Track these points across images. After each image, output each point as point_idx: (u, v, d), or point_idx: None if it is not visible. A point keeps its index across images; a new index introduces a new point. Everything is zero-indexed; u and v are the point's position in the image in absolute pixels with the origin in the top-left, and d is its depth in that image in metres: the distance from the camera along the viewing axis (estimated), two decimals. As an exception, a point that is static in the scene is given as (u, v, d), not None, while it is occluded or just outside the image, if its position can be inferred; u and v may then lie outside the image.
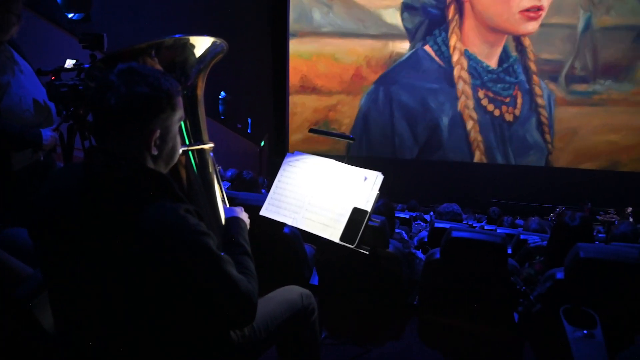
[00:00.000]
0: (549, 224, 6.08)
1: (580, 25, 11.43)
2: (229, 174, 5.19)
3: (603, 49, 11.57)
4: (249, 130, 10.60)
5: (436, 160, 12.98)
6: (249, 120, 10.60)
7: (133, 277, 1.13)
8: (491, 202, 10.78)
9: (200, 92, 1.67)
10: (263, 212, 2.08)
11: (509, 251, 3.50)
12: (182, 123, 1.44)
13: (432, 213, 6.47)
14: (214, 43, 1.60)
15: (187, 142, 1.55)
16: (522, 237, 3.77)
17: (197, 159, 1.59)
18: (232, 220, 1.53)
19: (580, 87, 12.00)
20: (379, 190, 1.94)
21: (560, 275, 2.48)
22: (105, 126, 1.20)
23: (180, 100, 1.27)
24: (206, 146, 1.61)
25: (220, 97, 9.05)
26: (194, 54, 1.58)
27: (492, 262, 2.53)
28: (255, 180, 3.74)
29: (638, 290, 2.35)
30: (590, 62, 11.75)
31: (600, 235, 6.79)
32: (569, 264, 2.42)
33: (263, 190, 4.51)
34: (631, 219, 10.72)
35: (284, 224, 2.16)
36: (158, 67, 1.48)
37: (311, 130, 2.29)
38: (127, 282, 1.13)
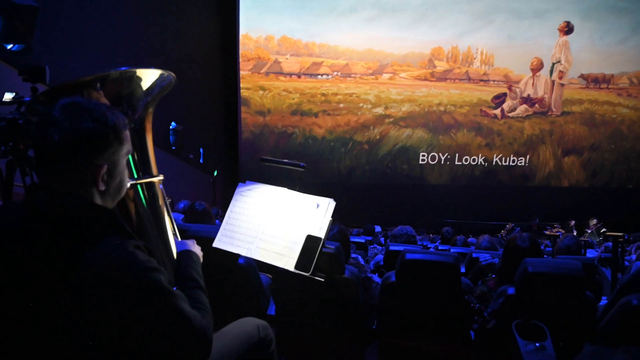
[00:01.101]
0: (499, 240, 6.28)
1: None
2: (181, 205, 5.08)
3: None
4: (201, 161, 10.46)
5: (391, 183, 13.25)
6: (201, 150, 10.47)
7: (82, 320, 1.08)
8: (444, 222, 11.04)
9: (148, 124, 1.65)
10: (216, 243, 2.05)
11: (462, 270, 3.59)
12: (130, 156, 1.41)
13: (388, 235, 6.55)
14: (161, 75, 1.59)
15: (136, 176, 1.52)
16: (474, 255, 3.88)
17: (146, 192, 1.56)
18: (184, 253, 1.50)
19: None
20: (333, 216, 1.95)
21: (511, 291, 2.56)
22: (49, 162, 1.16)
23: (127, 134, 1.25)
24: (155, 179, 1.58)
25: (170, 127, 8.91)
26: (141, 87, 1.56)
27: (446, 281, 2.58)
28: (207, 211, 3.67)
29: (582, 299, 2.46)
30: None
31: (548, 249, 7.08)
32: (518, 280, 2.50)
33: (217, 221, 4.44)
34: (574, 232, 11.29)
35: (238, 255, 2.14)
36: (104, 100, 1.45)
37: (262, 160, 2.29)
38: (76, 325, 1.08)
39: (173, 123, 8.87)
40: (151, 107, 1.63)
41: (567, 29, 12.85)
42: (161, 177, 1.61)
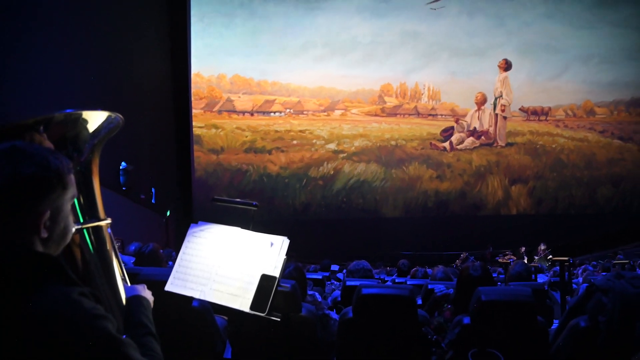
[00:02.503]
0: (453, 270, 6.39)
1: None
2: (132, 248, 4.91)
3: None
4: (153, 201, 10.20)
5: (347, 218, 13.33)
6: (153, 190, 10.23)
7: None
8: (401, 254, 11.14)
9: (95, 166, 1.61)
10: (168, 287, 2.00)
11: (419, 302, 3.62)
12: (76, 200, 1.37)
13: (345, 271, 6.53)
14: (108, 117, 1.56)
15: (82, 220, 1.47)
16: (429, 286, 3.92)
17: (92, 236, 1.51)
18: (134, 299, 1.45)
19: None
20: (288, 253, 1.95)
21: (467, 320, 2.60)
22: (-13, 210, 1.11)
23: (71, 178, 1.21)
24: (103, 222, 1.53)
25: (121, 167, 8.69)
26: (87, 129, 1.53)
27: (403, 315, 2.60)
28: (156, 253, 3.57)
29: (534, 324, 2.52)
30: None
31: (501, 276, 7.26)
32: (473, 309, 2.55)
33: (170, 263, 4.31)
34: (525, 258, 11.66)
35: (192, 298, 2.08)
36: (47, 143, 1.40)
37: (214, 200, 2.27)
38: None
39: (123, 163, 8.66)
40: (98, 149, 1.59)
41: (506, 65, 13.63)
42: (109, 221, 1.56)
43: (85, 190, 1.53)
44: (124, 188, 8.68)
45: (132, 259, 4.14)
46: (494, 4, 13.27)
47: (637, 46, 13.90)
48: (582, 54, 13.81)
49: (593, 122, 14.31)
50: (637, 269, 7.04)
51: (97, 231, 1.52)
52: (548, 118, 14.15)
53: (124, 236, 6.51)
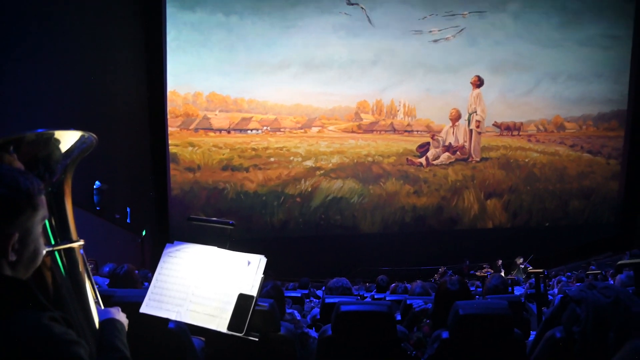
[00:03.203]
0: (432, 285, 6.42)
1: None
2: (106, 269, 4.81)
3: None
4: (128, 220, 10.03)
5: (325, 235, 13.32)
6: (128, 209, 10.07)
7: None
8: (379, 270, 11.16)
9: (67, 187, 1.58)
10: (144, 309, 1.96)
11: (398, 317, 3.62)
12: (47, 222, 1.34)
13: (324, 288, 6.51)
14: (81, 137, 1.54)
15: (53, 242, 1.44)
16: (408, 302, 3.93)
17: (64, 259, 1.47)
18: (107, 322, 1.42)
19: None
20: (266, 272, 1.93)
21: (445, 335, 2.61)
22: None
23: (42, 199, 1.19)
24: (75, 244, 1.50)
25: (95, 187, 8.53)
26: (59, 149, 1.51)
27: (382, 331, 2.59)
28: (131, 274, 3.50)
29: (511, 337, 2.55)
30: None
31: (479, 289, 7.32)
32: (451, 323, 2.56)
33: (146, 284, 4.23)
34: (502, 271, 11.81)
35: (168, 319, 2.04)
36: (18, 164, 1.38)
37: (190, 219, 2.25)
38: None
39: (97, 182, 8.51)
40: (71, 169, 1.57)
41: (479, 82, 13.95)
42: (81, 242, 1.53)
43: (57, 211, 1.50)
44: (97, 208, 8.52)
45: (107, 281, 4.05)
46: (466, 24, 13.61)
47: (602, 64, 14.41)
48: (550, 71, 14.24)
49: (563, 136, 14.70)
50: (609, 279, 7.19)
51: (69, 253, 1.49)
52: (520, 133, 14.49)
53: (98, 257, 6.39)
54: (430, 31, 13.39)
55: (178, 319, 1.92)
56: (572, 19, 13.99)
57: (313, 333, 3.06)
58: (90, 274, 1.57)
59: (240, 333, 1.82)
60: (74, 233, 1.53)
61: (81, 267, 1.52)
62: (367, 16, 12.91)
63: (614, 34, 14.25)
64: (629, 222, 14.99)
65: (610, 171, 14.99)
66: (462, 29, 13.51)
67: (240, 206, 12.84)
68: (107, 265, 5.09)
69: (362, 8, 12.88)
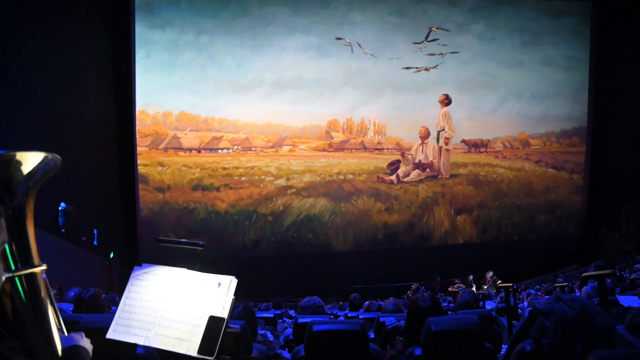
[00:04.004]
0: (405, 302, 6.44)
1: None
2: (71, 294, 4.64)
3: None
4: (95, 242, 9.76)
5: (297, 253, 13.25)
6: (95, 231, 9.80)
7: None
8: (352, 288, 11.14)
9: (29, 210, 1.53)
10: (110, 334, 1.89)
11: (371, 335, 3.61)
12: (7, 246, 1.29)
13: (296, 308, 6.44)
14: (44, 158, 1.50)
15: (13, 268, 1.39)
16: (381, 319, 3.92)
17: (25, 285, 1.42)
18: (71, 349, 1.37)
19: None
20: (238, 293, 1.90)
21: (418, 351, 2.61)
22: None
23: (2, 223, 1.15)
24: (37, 269, 1.45)
25: (60, 208, 8.29)
26: (21, 171, 1.46)
27: (355, 350, 2.58)
28: (97, 299, 3.39)
29: (482, 351, 2.57)
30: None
31: (451, 305, 7.38)
32: (424, 339, 2.57)
33: (114, 308, 4.10)
34: (474, 286, 11.94)
35: (136, 345, 1.98)
36: (-24, 187, 1.34)
37: (158, 241, 2.20)
38: None
39: (62, 204, 8.28)
40: (33, 192, 1.52)
41: (447, 100, 14.28)
42: (44, 267, 1.48)
43: (18, 235, 1.45)
44: (63, 230, 8.27)
45: (71, 306, 3.91)
46: (434, 44, 13.96)
47: (562, 83, 14.99)
48: (515, 90, 14.72)
49: (529, 152, 15.14)
50: (576, 291, 7.36)
51: (30, 279, 1.43)
52: (488, 150, 14.84)
53: (63, 282, 6.17)
54: (399, 52, 13.70)
55: (147, 343, 1.86)
56: (533, 40, 14.56)
57: (286, 354, 3.02)
58: (54, 299, 1.51)
59: (212, 356, 1.78)
60: (35, 257, 1.48)
61: (43, 293, 1.47)
62: (358, 44, 13.21)
63: (572, 55, 14.90)
64: (592, 234, 15.45)
65: (573, 185, 15.48)
66: (429, 49, 13.88)
67: (211, 226, 12.68)
68: (72, 290, 4.91)
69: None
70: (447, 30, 13.87)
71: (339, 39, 13.27)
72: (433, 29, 13.79)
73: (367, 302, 7.16)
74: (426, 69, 13.80)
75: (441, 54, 13.92)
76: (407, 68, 13.72)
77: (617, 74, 14.96)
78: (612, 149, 15.19)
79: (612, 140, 15.22)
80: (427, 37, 13.81)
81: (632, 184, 14.22)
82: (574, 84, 15.09)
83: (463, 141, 14.65)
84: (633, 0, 13.91)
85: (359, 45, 13.37)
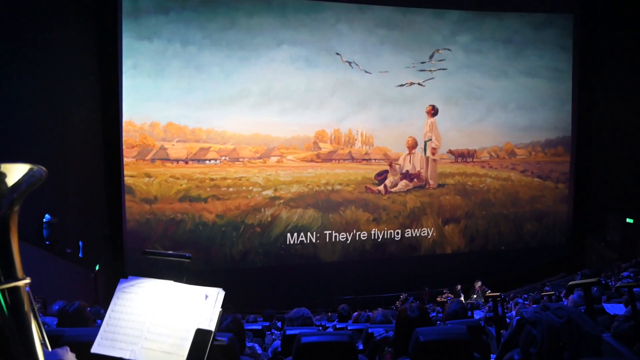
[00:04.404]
0: (393, 312, 6.44)
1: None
2: (55, 307, 4.57)
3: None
4: (80, 254, 9.63)
5: (286, 265, 13.19)
6: (80, 243, 9.68)
7: None
8: (341, 299, 11.13)
9: (13, 223, 1.50)
10: (95, 349, 1.87)
11: (360, 347, 3.60)
12: (-11, 260, 1.27)
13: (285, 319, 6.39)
14: (30, 170, 1.48)
15: (-4, 281, 1.36)
16: (370, 330, 3.91)
17: (8, 299, 1.39)
18: (55, 365, 1.34)
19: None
20: (226, 305, 1.89)
21: (407, 362, 2.61)
22: None
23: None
24: (20, 282, 1.42)
25: (44, 220, 8.18)
26: (5, 183, 1.43)
27: (344, 361, 2.57)
28: (82, 312, 3.34)
29: (471, 361, 2.57)
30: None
31: (440, 315, 7.39)
32: (412, 350, 2.57)
33: (99, 322, 4.04)
34: (462, 295, 11.98)
35: (121, 359, 1.95)
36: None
37: (144, 253, 2.18)
38: None
39: (47, 215, 8.17)
40: (17, 204, 1.49)
41: (434, 111, 14.41)
42: (27, 280, 1.45)
43: (2, 248, 1.42)
44: (47, 242, 8.15)
45: (56, 320, 3.85)
46: (419, 56, 14.12)
47: (547, 93, 15.25)
48: (500, 101, 14.92)
49: (515, 162, 15.30)
50: (563, 299, 7.41)
51: (13, 292, 1.40)
52: (474, 160, 14.97)
53: (47, 295, 6.07)
54: (385, 64, 13.85)
55: (132, 357, 1.84)
56: (517, 52, 14.81)
57: (274, 366, 2.99)
58: (37, 313, 1.49)
59: (199, 370, 1.76)
60: (19, 270, 1.45)
61: (26, 306, 1.44)
62: (343, 57, 13.35)
63: (556, 66, 15.18)
64: (579, 243, 15.62)
65: (559, 194, 15.67)
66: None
67: (199, 238, 12.59)
68: (56, 303, 4.84)
69: (337, 55, 13.31)
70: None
71: (327, 50, 13.37)
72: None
73: (355, 313, 7.15)
74: (420, 84, 13.96)
75: (430, 70, 14.09)
76: (401, 85, 13.89)
77: (600, 84, 15.27)
78: (596, 159, 15.43)
79: (596, 150, 15.46)
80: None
81: (616, 193, 14.43)
82: (558, 95, 15.36)
83: (450, 151, 14.78)
84: (613, 11, 14.23)
85: (348, 59, 13.48)
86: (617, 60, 14.59)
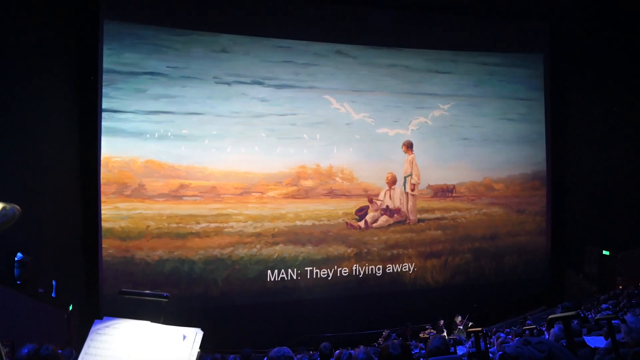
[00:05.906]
0: (376, 350, 6.34)
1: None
2: (25, 351, 4.37)
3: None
4: (53, 294, 9.31)
5: (267, 302, 12.96)
6: (54, 282, 9.38)
7: None
8: (323, 336, 10.92)
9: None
10: (67, 394, 1.79)
11: (342, 386, 3.52)
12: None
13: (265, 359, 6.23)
14: (2, 209, 1.46)
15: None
16: (352, 369, 3.84)
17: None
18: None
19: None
20: (205, 345, 1.84)
21: (390, 401, 2.55)
22: None
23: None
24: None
25: (16, 259, 7.93)
26: (-24, 222, 1.41)
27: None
28: (54, 356, 3.20)
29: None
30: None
31: (422, 351, 7.29)
32: (395, 389, 2.52)
33: (71, 365, 3.88)
34: (444, 331, 11.87)
35: (94, 404, 1.87)
36: None
37: (121, 293, 2.13)
38: None
39: (19, 254, 7.93)
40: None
41: (408, 144, 14.65)
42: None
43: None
44: (18, 282, 7.89)
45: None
46: (400, 95, 14.48)
47: (522, 130, 15.71)
48: (478, 137, 15.28)
49: (493, 197, 15.53)
50: (545, 333, 7.41)
51: (-19, 336, 1.36)
52: (453, 195, 15.15)
53: (16, 337, 5.83)
54: (364, 104, 14.15)
55: (106, 403, 1.77)
56: (492, 91, 15.33)
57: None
58: (4, 357, 1.43)
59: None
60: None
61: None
62: (336, 101, 13.69)
63: (529, 104, 15.72)
64: (558, 275, 15.75)
65: (537, 228, 15.89)
66: (394, 99, 14.42)
67: (178, 276, 12.32)
68: (25, 347, 4.64)
69: (329, 99, 13.66)
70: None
71: (309, 88, 13.60)
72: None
73: (337, 351, 7.00)
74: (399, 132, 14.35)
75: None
76: (387, 133, 14.24)
77: (572, 120, 15.77)
78: (572, 193, 15.77)
79: (571, 184, 15.82)
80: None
81: (592, 225, 14.70)
82: (532, 131, 15.81)
83: (429, 187, 14.94)
84: (582, 49, 14.85)
85: (329, 96, 13.74)
86: (588, 96, 15.14)
